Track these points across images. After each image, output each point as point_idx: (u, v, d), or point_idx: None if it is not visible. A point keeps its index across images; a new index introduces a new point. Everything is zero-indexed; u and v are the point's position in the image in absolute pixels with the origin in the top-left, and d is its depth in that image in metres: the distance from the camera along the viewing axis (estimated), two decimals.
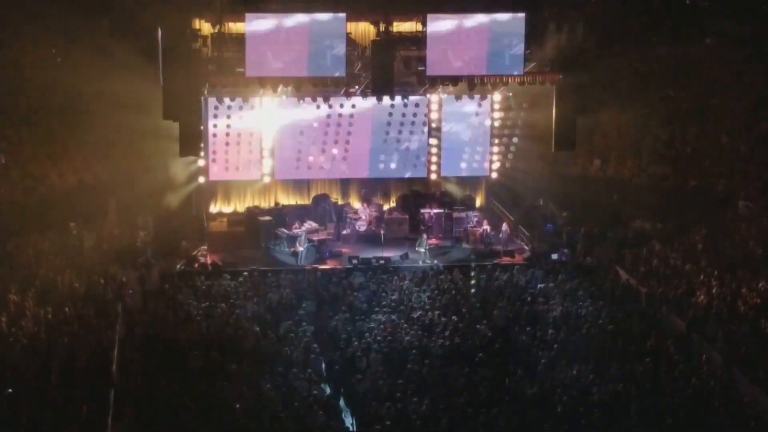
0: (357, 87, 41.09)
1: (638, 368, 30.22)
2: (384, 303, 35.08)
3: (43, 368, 28.48)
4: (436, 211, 44.98)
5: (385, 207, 46.79)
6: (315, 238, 41.77)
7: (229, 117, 44.45)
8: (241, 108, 44.09)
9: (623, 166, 48.86)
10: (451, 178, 48.27)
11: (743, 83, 49.34)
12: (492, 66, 38.45)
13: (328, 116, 45.37)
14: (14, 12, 45.03)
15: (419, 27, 38.62)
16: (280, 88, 39.67)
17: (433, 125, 46.88)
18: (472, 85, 39.48)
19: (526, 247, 43.08)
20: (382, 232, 42.94)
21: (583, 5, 40.10)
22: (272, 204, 46.72)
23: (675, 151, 48.24)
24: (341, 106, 44.74)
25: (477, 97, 45.85)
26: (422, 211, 44.91)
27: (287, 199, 47.15)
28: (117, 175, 45.77)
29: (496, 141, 46.98)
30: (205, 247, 41.37)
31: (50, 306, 32.66)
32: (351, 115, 45.45)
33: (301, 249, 40.29)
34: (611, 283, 38.02)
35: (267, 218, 43.79)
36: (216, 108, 43.63)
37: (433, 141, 47.02)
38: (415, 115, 46.43)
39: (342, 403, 28.96)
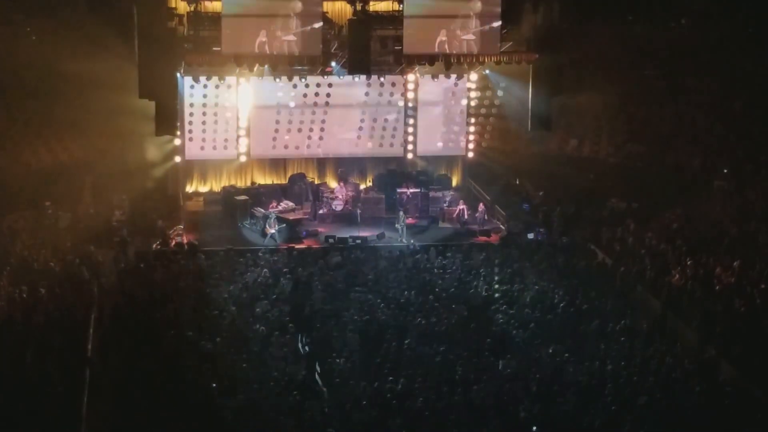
0: (334, 66, 40.99)
1: (613, 348, 30.33)
2: (360, 282, 35.12)
3: (18, 348, 28.43)
4: (412, 190, 44.96)
5: (362, 186, 46.77)
6: (291, 217, 41.76)
7: (205, 96, 44.35)
8: (217, 87, 43.91)
9: (599, 145, 49.04)
10: (428, 157, 48.24)
11: (718, 62, 49.48)
12: (468, 45, 38.42)
13: (305, 95, 45.26)
14: None
15: (396, 6, 38.57)
16: (256, 67, 39.57)
17: (410, 104, 46.83)
18: (448, 64, 39.41)
19: (502, 227, 43.20)
20: (358, 211, 43.00)
21: None
22: (249, 183, 46.62)
23: (651, 131, 48.39)
24: (317, 85, 44.65)
25: (454, 76, 45.84)
26: (399, 190, 44.90)
27: (264, 179, 47.05)
28: (92, 154, 45.67)
29: (473, 120, 47.01)
30: (181, 227, 41.33)
31: (25, 286, 32.62)
32: (327, 94, 45.33)
33: (272, 231, 40.28)
34: (587, 262, 38.16)
35: (243, 197, 43.76)
36: (192, 87, 43.50)
37: (409, 120, 47.00)
38: (391, 94, 46.41)
39: (318, 382, 28.97)
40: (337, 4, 39.34)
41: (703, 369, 29.74)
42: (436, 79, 45.51)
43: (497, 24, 37.98)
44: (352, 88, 44.79)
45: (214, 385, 27.14)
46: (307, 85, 44.09)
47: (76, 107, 45.93)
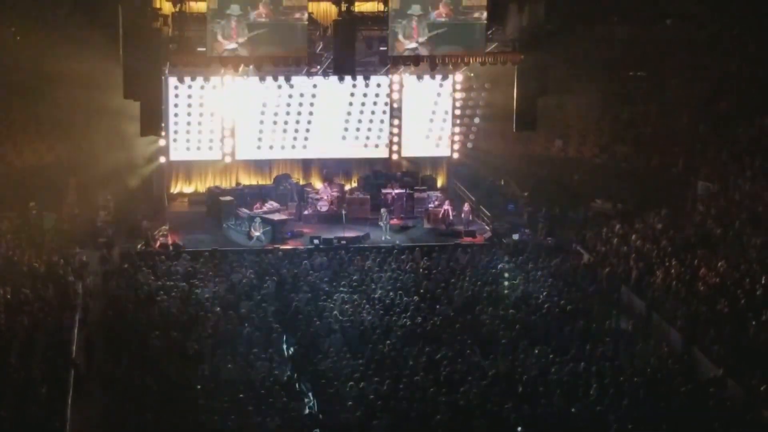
0: (319, 67, 40.93)
1: (598, 348, 30.37)
2: (345, 283, 35.12)
3: (2, 348, 28.34)
4: (397, 191, 45.01)
5: (347, 187, 46.85)
6: (276, 218, 41.74)
7: (190, 96, 44.30)
8: (202, 87, 43.91)
9: (584, 146, 49.09)
10: (413, 158, 48.27)
11: (703, 64, 49.59)
12: (454, 46, 38.41)
13: (290, 96, 45.24)
14: None
15: (381, 6, 38.50)
16: (241, 68, 39.51)
17: (395, 105, 46.95)
18: (433, 65, 39.40)
19: (487, 228, 43.24)
20: (343, 212, 42.97)
21: None
22: (234, 184, 46.64)
23: (635, 131, 48.48)
24: (303, 86, 44.56)
25: (439, 77, 45.86)
26: (384, 191, 44.93)
27: (249, 180, 47.12)
28: (77, 155, 45.54)
29: (458, 121, 47.12)
30: (166, 227, 41.28)
31: (9, 286, 32.49)
32: (313, 95, 45.39)
33: (257, 234, 40.28)
34: (572, 263, 38.20)
35: (228, 198, 43.71)
36: (177, 87, 43.45)
37: (394, 121, 47.04)
38: (377, 95, 46.48)
39: (303, 383, 28.94)
40: (323, 5, 39.25)
41: (688, 370, 29.88)
42: (421, 80, 45.51)
43: (483, 24, 37.87)
44: (337, 89, 44.72)
45: (199, 386, 27.10)
46: (292, 86, 44.02)
47: (61, 107, 45.77)
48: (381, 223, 41.87)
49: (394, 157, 47.91)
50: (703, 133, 45.83)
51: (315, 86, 45.09)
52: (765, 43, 48.22)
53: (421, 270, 36.78)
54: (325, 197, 44.44)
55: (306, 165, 47.88)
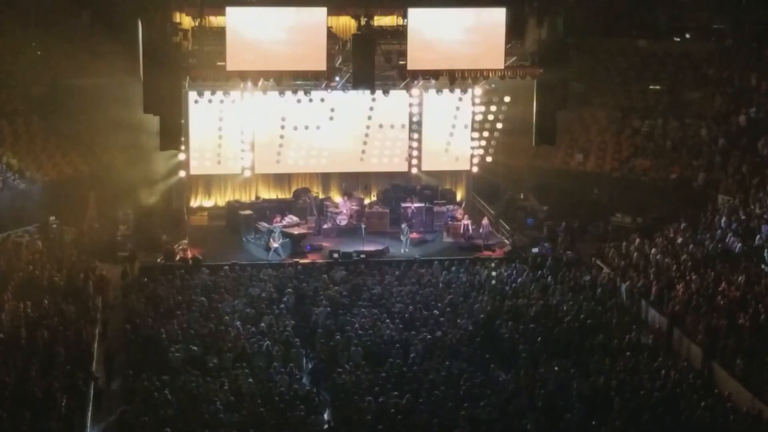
0: (338, 81, 40.97)
1: (618, 362, 30.30)
2: (365, 297, 35.11)
3: (23, 362, 28.42)
4: (417, 205, 44.96)
5: (366, 201, 46.73)
6: (295, 232, 41.77)
7: (209, 110, 44.21)
8: (221, 102, 43.84)
9: (603, 160, 48.96)
10: (432, 171, 48.16)
11: (722, 77, 49.48)
12: (473, 60, 38.43)
13: (309, 110, 45.16)
14: None
15: (400, 21, 38.60)
16: (260, 82, 39.57)
17: (414, 119, 46.80)
18: (452, 78, 39.39)
19: (507, 241, 43.15)
20: (362, 226, 42.94)
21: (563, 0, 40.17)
22: (253, 198, 46.61)
23: (655, 145, 48.35)
24: (322, 100, 44.45)
25: (458, 90, 45.72)
26: (403, 205, 44.89)
27: (268, 193, 47.06)
28: (97, 169, 45.67)
29: (477, 135, 46.92)
30: (186, 241, 41.32)
31: (30, 300, 32.61)
32: (332, 109, 45.29)
33: (275, 245, 40.29)
34: (592, 277, 38.09)
35: (248, 212, 43.75)
36: (196, 102, 43.35)
37: (414, 135, 46.96)
38: (395, 109, 46.34)
39: (322, 397, 28.93)
40: (342, 19, 39.41)
41: (708, 383, 29.78)
42: (440, 94, 45.42)
43: (502, 38, 37.94)
44: (356, 103, 44.70)
45: (219, 400, 27.09)
46: (311, 100, 43.92)
47: (81, 122, 46.00)
48: (402, 237, 41.82)
49: (414, 170, 47.78)
50: (722, 146, 45.70)
51: (334, 100, 44.97)
52: None
53: (440, 284, 36.76)
54: (345, 211, 44.43)
55: (325, 179, 47.82)
